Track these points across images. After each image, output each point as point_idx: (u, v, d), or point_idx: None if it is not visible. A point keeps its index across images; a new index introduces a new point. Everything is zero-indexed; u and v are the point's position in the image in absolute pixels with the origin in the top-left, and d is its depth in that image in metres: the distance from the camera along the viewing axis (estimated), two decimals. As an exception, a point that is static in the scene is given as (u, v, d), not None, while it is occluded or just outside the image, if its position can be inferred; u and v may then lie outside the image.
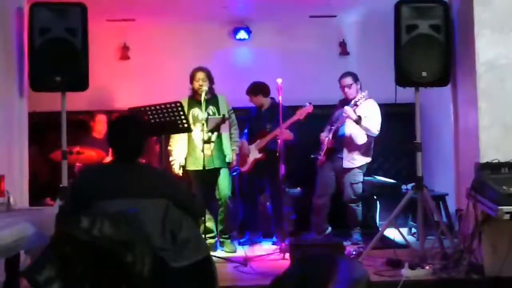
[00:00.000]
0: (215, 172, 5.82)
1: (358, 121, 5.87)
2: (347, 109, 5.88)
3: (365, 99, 5.91)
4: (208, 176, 5.76)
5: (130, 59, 7.53)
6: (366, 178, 6.33)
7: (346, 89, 6.11)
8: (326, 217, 6.28)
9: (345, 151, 6.10)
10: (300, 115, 5.96)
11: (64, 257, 2.89)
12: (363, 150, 6.11)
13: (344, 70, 6.36)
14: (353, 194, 6.14)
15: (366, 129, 5.96)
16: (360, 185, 6.18)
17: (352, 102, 5.93)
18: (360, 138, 6.04)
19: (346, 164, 6.10)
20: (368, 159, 6.17)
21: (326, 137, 6.21)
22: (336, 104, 6.33)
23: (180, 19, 7.35)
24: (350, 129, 6.06)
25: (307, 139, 6.42)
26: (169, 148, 5.91)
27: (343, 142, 6.10)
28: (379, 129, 6.00)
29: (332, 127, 6.15)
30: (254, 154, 6.27)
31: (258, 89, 6.32)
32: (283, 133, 5.90)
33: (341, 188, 6.21)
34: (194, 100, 5.85)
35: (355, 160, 6.11)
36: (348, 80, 6.12)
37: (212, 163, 5.70)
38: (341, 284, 2.38)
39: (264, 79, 6.39)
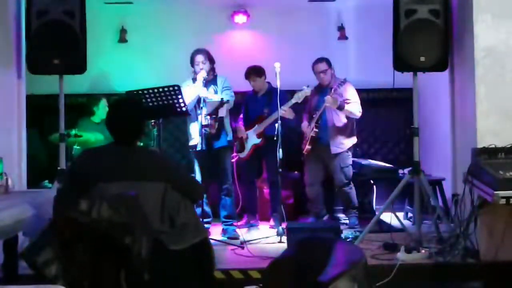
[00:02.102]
0: (217, 153, 5.83)
1: (341, 107, 5.87)
2: (328, 99, 5.85)
3: (344, 83, 5.90)
4: (211, 157, 5.78)
5: (128, 42, 7.51)
6: (363, 162, 6.35)
7: (321, 75, 6.11)
8: (322, 203, 6.30)
9: (330, 137, 6.09)
10: (298, 98, 5.96)
11: (63, 239, 2.91)
12: (348, 132, 6.12)
13: (342, 55, 6.37)
14: (344, 178, 6.15)
15: (349, 113, 5.97)
16: (350, 167, 6.19)
17: (332, 89, 5.91)
18: (340, 122, 6.05)
19: (334, 149, 6.10)
20: (353, 140, 6.19)
21: (308, 127, 6.21)
22: (311, 91, 6.28)
23: (179, 2, 7.31)
24: (330, 115, 6.06)
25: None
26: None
27: (327, 129, 6.10)
28: (361, 111, 6.00)
29: (314, 116, 6.13)
30: (252, 139, 6.28)
31: (261, 70, 6.28)
32: (286, 113, 5.91)
33: (331, 173, 6.23)
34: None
35: (342, 144, 6.11)
36: (323, 66, 6.10)
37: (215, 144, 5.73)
38: (339, 267, 2.40)
39: (262, 63, 6.37)
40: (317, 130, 6.09)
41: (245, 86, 6.48)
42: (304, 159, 6.31)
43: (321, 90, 6.11)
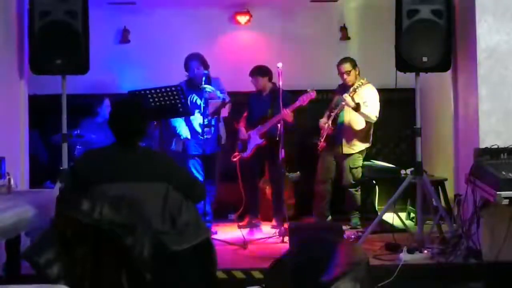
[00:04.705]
0: (210, 157, 5.85)
1: (356, 108, 5.87)
2: (346, 97, 5.86)
3: (364, 85, 5.90)
4: (208, 160, 5.79)
5: (130, 42, 7.51)
6: (365, 162, 6.35)
7: (345, 76, 6.10)
8: (328, 204, 6.29)
9: (344, 137, 6.10)
10: (302, 101, 5.95)
11: (65, 239, 2.92)
12: (362, 136, 6.12)
13: (344, 55, 6.34)
14: (352, 179, 6.16)
15: (364, 116, 5.96)
16: (360, 169, 6.20)
17: (351, 88, 5.93)
18: (358, 125, 6.06)
19: (346, 150, 6.12)
20: (367, 145, 6.20)
21: (325, 123, 6.21)
22: (335, 90, 6.32)
23: (181, 2, 7.32)
24: (349, 115, 6.06)
25: (306, 124, 6.42)
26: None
27: (342, 128, 6.11)
28: (377, 115, 6.00)
29: (332, 113, 6.15)
30: (255, 139, 6.28)
31: (265, 71, 6.28)
32: (286, 115, 5.91)
33: (340, 173, 6.23)
34: (192, 86, 5.85)
35: (355, 146, 6.13)
36: (347, 66, 6.10)
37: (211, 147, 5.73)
38: (341, 267, 2.40)
39: (264, 63, 6.36)
40: (332, 127, 6.10)
41: (248, 86, 6.49)
42: (318, 155, 6.32)
43: (344, 89, 6.07)
